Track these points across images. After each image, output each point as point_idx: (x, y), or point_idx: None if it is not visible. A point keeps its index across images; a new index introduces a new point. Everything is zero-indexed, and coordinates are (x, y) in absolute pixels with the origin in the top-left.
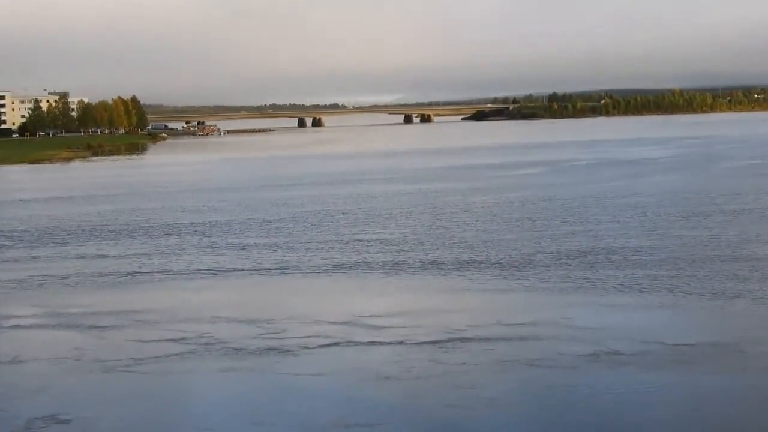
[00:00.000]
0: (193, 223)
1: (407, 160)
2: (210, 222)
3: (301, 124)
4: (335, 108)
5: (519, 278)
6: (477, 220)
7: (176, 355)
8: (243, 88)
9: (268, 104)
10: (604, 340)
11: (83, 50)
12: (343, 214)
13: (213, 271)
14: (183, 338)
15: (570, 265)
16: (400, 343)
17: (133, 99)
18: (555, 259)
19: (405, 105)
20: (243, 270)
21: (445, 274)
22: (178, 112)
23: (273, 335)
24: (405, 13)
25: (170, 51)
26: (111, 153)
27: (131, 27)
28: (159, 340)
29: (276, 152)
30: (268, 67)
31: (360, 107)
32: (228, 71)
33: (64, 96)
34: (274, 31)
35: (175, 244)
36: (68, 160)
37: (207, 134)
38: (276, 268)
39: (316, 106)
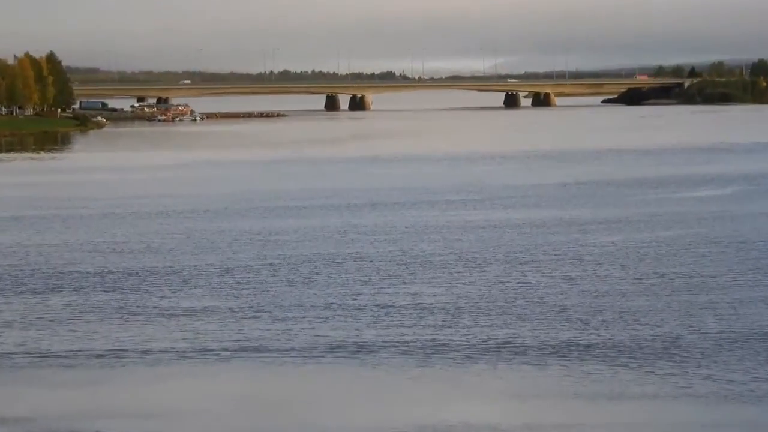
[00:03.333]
0: (106, 269)
1: (499, 170)
2: (135, 269)
3: (332, 104)
4: (389, 79)
5: (650, 376)
6: (591, 275)
7: None
8: (235, 44)
9: (276, 71)
10: None
11: None
12: (363, 259)
13: (115, 354)
14: None
15: (744, 356)
16: None
17: (51, 58)
18: (719, 345)
19: (508, 77)
20: (169, 352)
21: (520, 366)
22: (125, 82)
23: None
24: None
25: None
26: (10, 148)
27: None
28: None
29: (283, 152)
30: (276, 9)
31: (431, 79)
32: (211, 16)
33: None
34: None
35: (64, 306)
36: None
37: (171, 119)
38: (229, 349)
39: (358, 76)
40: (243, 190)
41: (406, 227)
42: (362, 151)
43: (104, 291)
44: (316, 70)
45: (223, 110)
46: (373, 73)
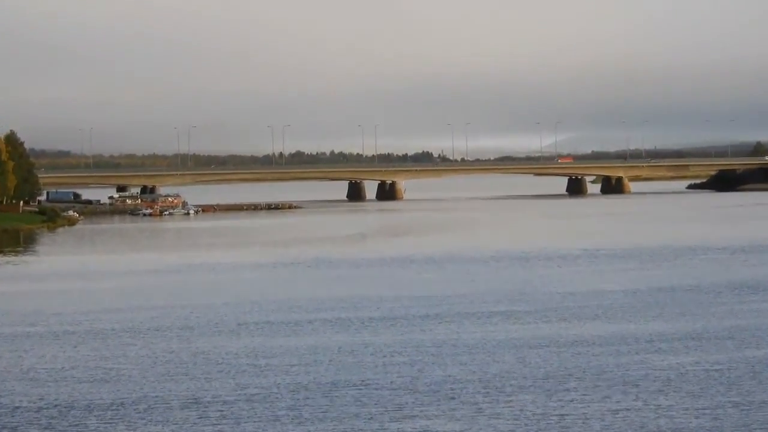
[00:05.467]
0: (46, 402)
1: (557, 273)
2: (83, 402)
3: (355, 193)
4: (425, 161)
5: None
6: (648, 405)
7: None
8: (236, 119)
9: (288, 152)
10: None
11: None
12: (367, 387)
13: None
14: None
15: None
16: None
17: (11, 139)
18: None
19: (571, 157)
20: None
21: None
22: (102, 168)
23: None
24: None
25: (91, 48)
26: None
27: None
28: None
29: (293, 253)
30: (286, 76)
31: (477, 161)
32: (206, 86)
33: None
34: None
35: None
36: None
37: (159, 213)
38: None
39: (387, 158)
40: (238, 301)
41: (429, 346)
42: (389, 251)
43: (38, 428)
44: (336, 151)
45: (223, 201)
46: (406, 155)
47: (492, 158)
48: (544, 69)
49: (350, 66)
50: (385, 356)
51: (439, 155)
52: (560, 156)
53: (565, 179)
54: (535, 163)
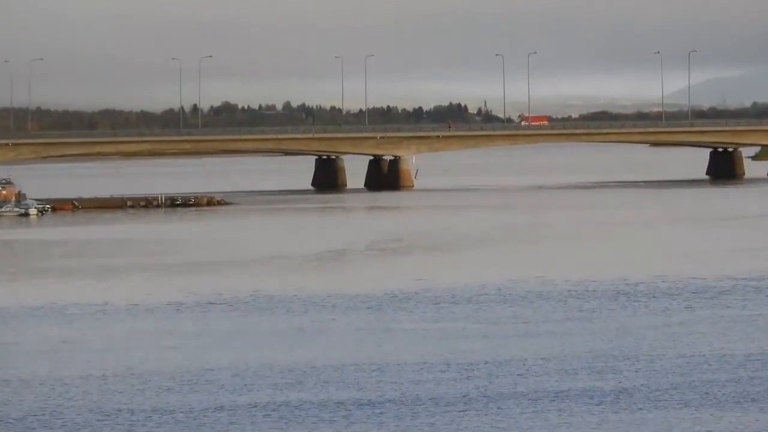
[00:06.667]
0: None
1: (686, 320)
2: None
3: (328, 176)
4: (455, 121)
5: None
6: None
7: None
8: (116, 54)
9: (209, 107)
10: None
11: None
12: None
13: None
14: None
15: None
16: None
17: None
18: None
19: (717, 115)
20: None
21: None
22: None
23: None
24: None
25: None
26: None
27: None
28: None
29: (214, 285)
30: None
31: (551, 121)
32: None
33: None
34: None
35: None
36: None
37: None
38: None
39: (384, 116)
40: (105, 372)
41: None
42: (387, 282)
43: None
44: (295, 104)
45: (89, 193)
46: (420, 109)
47: (575, 116)
48: None
49: None
50: None
51: (480, 110)
52: (532, 116)
53: (706, 152)
54: (651, 125)
